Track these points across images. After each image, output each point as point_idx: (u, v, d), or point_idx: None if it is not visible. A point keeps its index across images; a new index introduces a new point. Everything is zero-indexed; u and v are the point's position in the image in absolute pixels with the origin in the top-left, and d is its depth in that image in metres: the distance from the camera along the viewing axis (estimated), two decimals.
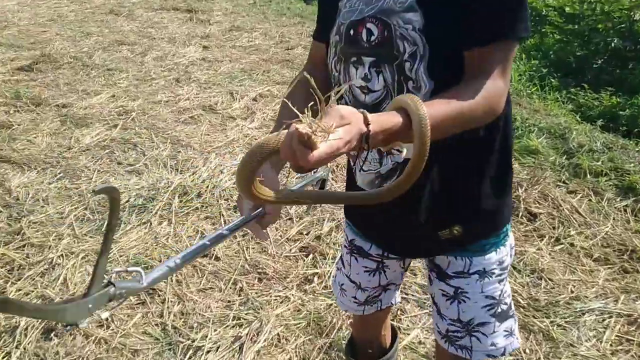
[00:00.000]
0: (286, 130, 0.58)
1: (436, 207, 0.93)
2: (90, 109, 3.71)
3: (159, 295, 1.98)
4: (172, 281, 2.04)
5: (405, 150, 0.72)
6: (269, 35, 5.71)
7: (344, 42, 0.89)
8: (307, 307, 1.90)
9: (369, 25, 0.84)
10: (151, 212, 2.45)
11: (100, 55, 5.02)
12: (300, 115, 0.56)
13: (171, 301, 1.95)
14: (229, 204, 2.53)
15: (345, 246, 1.18)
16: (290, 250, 2.24)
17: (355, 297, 1.17)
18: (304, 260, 2.16)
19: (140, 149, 3.14)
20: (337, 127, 0.57)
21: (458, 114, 0.73)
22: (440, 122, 0.69)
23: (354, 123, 0.60)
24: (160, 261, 2.14)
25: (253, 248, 2.25)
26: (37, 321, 1.81)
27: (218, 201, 2.55)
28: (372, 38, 0.83)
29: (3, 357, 1.70)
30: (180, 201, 2.53)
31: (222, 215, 2.45)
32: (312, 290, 1.97)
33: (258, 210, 0.91)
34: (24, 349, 1.72)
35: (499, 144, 0.91)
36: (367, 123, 0.61)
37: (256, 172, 0.61)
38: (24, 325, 1.79)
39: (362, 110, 0.63)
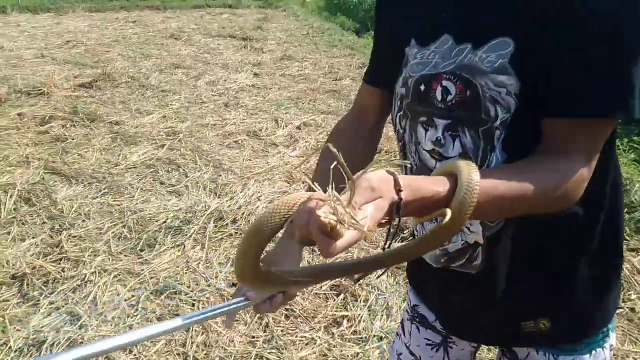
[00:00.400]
0: (304, 200, 0.49)
1: (518, 295, 0.79)
2: (141, 128, 3.83)
3: None
4: (199, 309, 2.00)
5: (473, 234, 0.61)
6: (318, 65, 5.78)
7: (411, 98, 0.77)
8: (334, 353, 1.80)
9: (445, 82, 0.71)
10: (186, 235, 2.45)
11: (157, 77, 5.24)
12: (319, 190, 0.47)
13: (196, 331, 1.90)
14: None
15: (407, 311, 1.03)
16: (321, 287, 2.15)
17: None
18: (335, 300, 2.07)
19: (184, 170, 3.18)
20: (367, 203, 0.49)
21: (520, 196, 0.60)
22: (493, 200, 0.58)
23: (386, 194, 0.51)
24: (189, 287, 2.11)
25: None
26: (63, 338, 1.81)
27: None
28: (449, 98, 0.71)
29: None
30: (216, 226, 2.52)
31: None
32: (340, 334, 1.87)
33: (243, 300, 0.72)
34: None
35: (602, 226, 0.75)
36: (398, 189, 0.52)
37: (262, 252, 0.51)
38: (50, 341, 1.79)
39: (392, 171, 0.53)
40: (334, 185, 0.46)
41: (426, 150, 0.76)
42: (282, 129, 3.87)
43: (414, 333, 1.00)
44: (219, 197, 2.81)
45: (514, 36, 0.65)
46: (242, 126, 3.91)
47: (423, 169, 0.78)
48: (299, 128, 3.91)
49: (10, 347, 1.77)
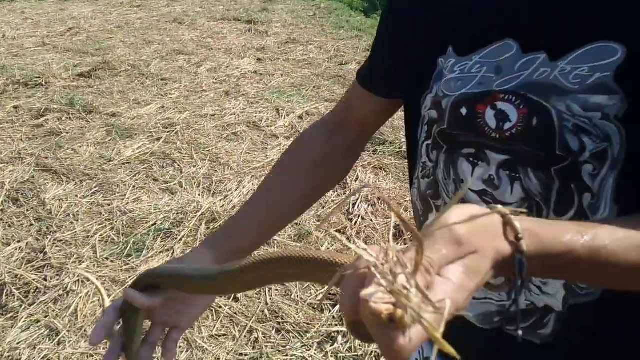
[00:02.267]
0: (348, 266, 0.32)
1: None
2: (137, 120, 3.69)
3: None
4: None
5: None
6: (324, 48, 5.55)
7: (448, 124, 0.59)
8: None
9: (502, 105, 0.53)
10: (176, 238, 2.32)
11: (158, 64, 5.08)
12: (372, 255, 0.30)
13: (180, 347, 1.78)
14: None
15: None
16: (317, 296, 2.01)
17: None
18: (330, 311, 1.92)
19: (179, 165, 3.04)
20: (450, 262, 0.32)
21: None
22: (599, 264, 0.41)
23: (485, 247, 0.34)
24: None
25: (276, 290, 2.05)
26: (39, 355, 1.70)
27: None
28: (507, 126, 0.53)
29: None
30: (207, 228, 2.38)
31: None
32: (334, 352, 1.73)
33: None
34: None
35: None
36: (516, 236, 0.36)
37: None
38: (25, 359, 1.69)
39: (497, 208, 0.37)
40: (390, 244, 0.30)
41: (473, 191, 0.58)
42: (283, 118, 3.69)
43: None
44: (212, 196, 2.67)
45: (624, 39, 0.47)
46: (242, 116, 3.74)
47: None
48: (300, 117, 3.73)
49: None
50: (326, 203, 2.62)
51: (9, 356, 1.72)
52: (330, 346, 1.75)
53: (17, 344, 1.76)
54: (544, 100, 0.50)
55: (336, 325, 1.85)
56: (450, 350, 0.27)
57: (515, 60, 0.53)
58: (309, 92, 4.20)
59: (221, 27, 6.78)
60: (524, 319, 0.61)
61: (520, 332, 0.58)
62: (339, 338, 1.78)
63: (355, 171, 2.94)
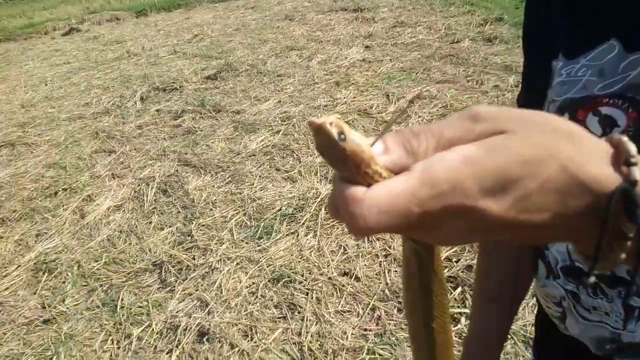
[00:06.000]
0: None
1: None
2: (259, 115, 4.01)
3: (299, 312, 2.00)
4: (312, 298, 2.04)
5: None
6: (433, 28, 5.39)
7: None
8: None
9: (607, 110, 0.48)
10: (299, 222, 2.51)
11: (273, 61, 5.41)
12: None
13: (309, 319, 1.95)
14: None
15: None
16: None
17: None
18: (451, 293, 1.94)
19: (297, 155, 3.25)
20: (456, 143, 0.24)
21: None
22: None
23: (542, 141, 0.24)
24: (302, 276, 2.16)
25: (395, 271, 2.12)
26: (194, 323, 2.00)
27: None
28: (616, 131, 0.48)
29: (167, 353, 1.92)
30: (327, 213, 2.53)
31: None
32: (458, 333, 1.75)
33: None
34: (182, 348, 1.91)
35: None
36: (627, 160, 0.24)
37: None
38: (183, 326, 2.00)
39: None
40: None
41: None
42: (393, 104, 3.71)
43: None
44: (329, 182, 2.82)
45: None
46: (353, 105, 3.84)
47: (573, 270, 0.57)
48: (411, 101, 3.71)
49: (152, 329, 2.02)
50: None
51: (171, 322, 2.04)
52: (454, 327, 1.78)
53: (176, 312, 2.09)
54: None
55: (459, 307, 1.86)
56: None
57: (619, 61, 0.48)
58: (419, 75, 4.15)
59: (329, 19, 6.95)
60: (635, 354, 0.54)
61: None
62: (462, 319, 1.80)
63: None
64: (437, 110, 3.45)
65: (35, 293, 2.36)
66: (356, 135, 0.25)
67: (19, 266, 2.57)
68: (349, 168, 0.25)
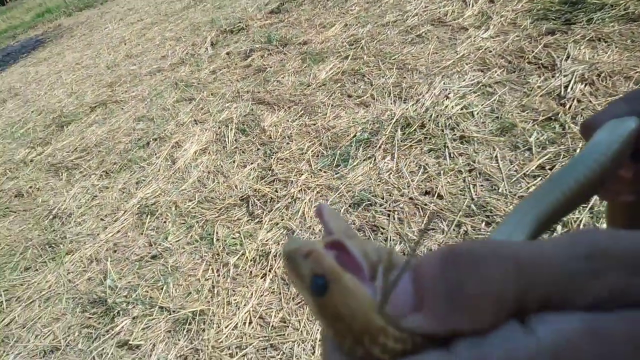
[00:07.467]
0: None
1: None
2: (325, 43, 3.88)
3: (382, 233, 2.01)
4: (394, 219, 2.03)
5: None
6: None
7: None
8: None
9: None
10: (375, 146, 2.45)
11: None
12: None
13: (393, 239, 1.95)
14: (455, 134, 2.30)
15: None
16: (528, 189, 1.90)
17: None
18: None
19: (368, 78, 3.13)
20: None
21: None
22: None
23: None
24: (383, 198, 2.14)
25: (481, 185, 2.01)
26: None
27: (443, 131, 2.34)
28: None
29: (261, 278, 2.05)
30: (403, 134, 2.44)
31: (447, 147, 2.25)
32: None
33: None
34: (275, 272, 2.02)
35: None
36: None
37: None
38: (273, 252, 2.10)
39: None
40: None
41: None
42: (470, 7, 3.37)
43: None
44: (404, 102, 2.69)
45: None
46: (425, 15, 3.55)
47: None
48: (491, 1, 3.34)
49: (246, 257, 2.15)
50: (531, 90, 2.37)
51: (262, 249, 2.16)
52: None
53: (266, 241, 2.20)
54: None
55: None
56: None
57: None
58: None
59: None
60: None
61: None
62: (559, 229, 1.68)
63: (566, 49, 2.54)
64: (521, 6, 3.06)
65: (142, 233, 2.61)
66: (353, 280, 0.15)
67: (125, 211, 2.85)
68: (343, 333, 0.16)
